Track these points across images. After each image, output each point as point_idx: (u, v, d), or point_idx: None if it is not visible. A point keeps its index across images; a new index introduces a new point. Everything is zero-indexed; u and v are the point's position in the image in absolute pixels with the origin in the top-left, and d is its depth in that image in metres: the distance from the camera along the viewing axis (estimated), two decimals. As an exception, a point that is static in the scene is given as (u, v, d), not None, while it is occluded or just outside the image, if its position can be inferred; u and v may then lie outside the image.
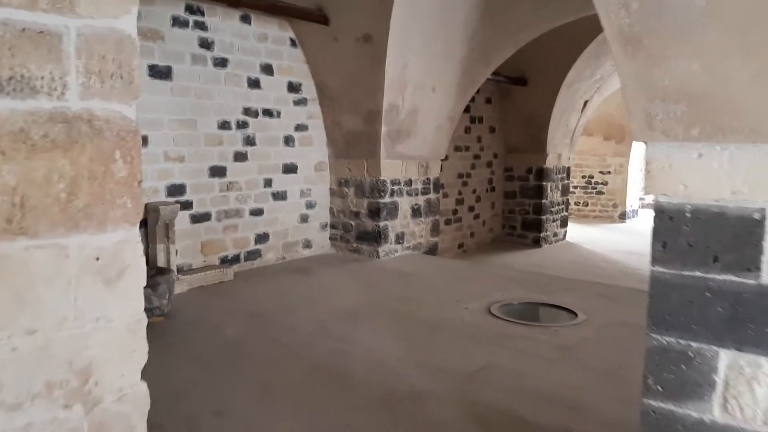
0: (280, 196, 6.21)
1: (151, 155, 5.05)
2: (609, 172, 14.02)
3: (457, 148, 8.68)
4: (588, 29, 7.98)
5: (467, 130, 8.98)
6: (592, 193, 14.19)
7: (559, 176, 10.16)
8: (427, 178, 7.00)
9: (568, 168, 10.50)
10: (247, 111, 5.83)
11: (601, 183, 14.09)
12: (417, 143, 6.72)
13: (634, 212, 14.10)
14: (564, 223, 10.49)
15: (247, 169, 5.86)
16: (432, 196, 7.07)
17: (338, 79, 6.35)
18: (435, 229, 7.16)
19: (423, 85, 6.42)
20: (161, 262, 4.89)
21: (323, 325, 4.09)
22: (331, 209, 6.82)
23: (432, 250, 7.07)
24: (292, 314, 4.35)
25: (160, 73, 5.08)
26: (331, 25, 5.97)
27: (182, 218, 5.28)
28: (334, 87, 6.43)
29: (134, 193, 1.46)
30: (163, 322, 4.19)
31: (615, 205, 13.93)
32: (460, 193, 8.99)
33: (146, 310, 3.33)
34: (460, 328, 4.11)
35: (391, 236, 6.57)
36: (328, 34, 6.09)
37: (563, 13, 6.78)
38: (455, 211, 8.90)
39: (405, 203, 6.73)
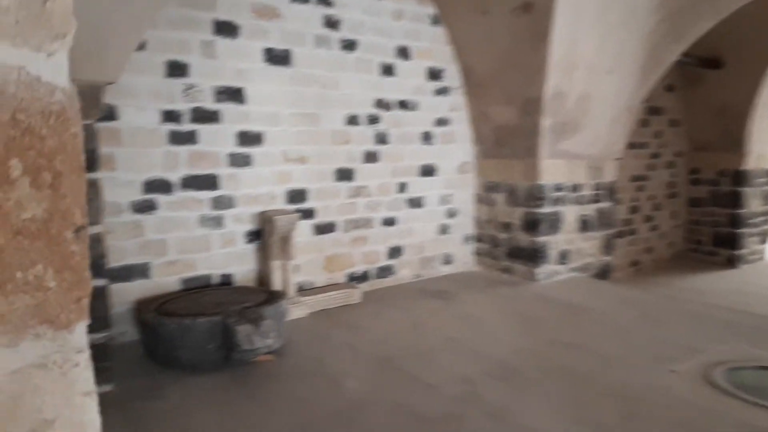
0: (416, 202, 5.22)
1: (269, 155, 4.31)
2: (817, 175, 11.35)
3: (631, 145, 7.09)
4: (819, -12, 6.08)
5: (644, 123, 7.36)
6: (793, 200, 11.60)
7: (762, 180, 8.13)
8: (599, 183, 5.62)
9: (772, 170, 8.39)
10: (379, 103, 4.92)
11: (807, 188, 11.45)
12: (587, 139, 5.38)
13: None
14: (765, 240, 8.41)
15: (379, 172, 4.95)
16: (605, 204, 5.67)
17: (488, 61, 5.22)
18: (608, 246, 5.75)
19: (596, 66, 5.08)
20: (277, 282, 4.11)
21: (471, 385, 3.00)
22: (476, 219, 5.71)
23: (603, 273, 5.67)
24: (430, 363, 3.31)
25: (278, 58, 4.31)
26: (481, -6, 4.87)
27: (304, 229, 4.48)
28: (483, 71, 5.31)
29: (64, 255, 0.63)
30: (271, 361, 3.36)
31: (825, 216, 11.25)
32: (634, 199, 7.40)
33: (245, 351, 2.45)
34: (668, 408, 2.79)
35: (552, 254, 5.31)
36: (476, 6, 4.99)
37: (796, -38, 5.06)
38: (628, 221, 7.33)
39: (570, 213, 5.42)
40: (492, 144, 5.51)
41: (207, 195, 4.02)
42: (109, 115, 3.60)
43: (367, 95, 4.85)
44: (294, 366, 3.31)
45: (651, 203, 7.65)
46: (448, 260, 5.50)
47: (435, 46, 5.26)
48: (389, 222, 5.04)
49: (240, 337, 3.04)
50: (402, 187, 5.11)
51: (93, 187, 2.86)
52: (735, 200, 7.80)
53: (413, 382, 3.05)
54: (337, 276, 4.72)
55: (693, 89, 7.85)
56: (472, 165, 5.64)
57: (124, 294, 3.66)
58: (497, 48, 5.09)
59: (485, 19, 5.02)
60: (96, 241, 2.86)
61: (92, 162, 2.86)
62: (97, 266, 2.87)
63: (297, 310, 4.12)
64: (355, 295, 4.50)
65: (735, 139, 7.72)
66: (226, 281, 4.12)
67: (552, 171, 5.26)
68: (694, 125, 8.00)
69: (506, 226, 5.45)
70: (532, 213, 5.23)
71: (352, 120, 4.76)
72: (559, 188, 5.32)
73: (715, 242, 7.96)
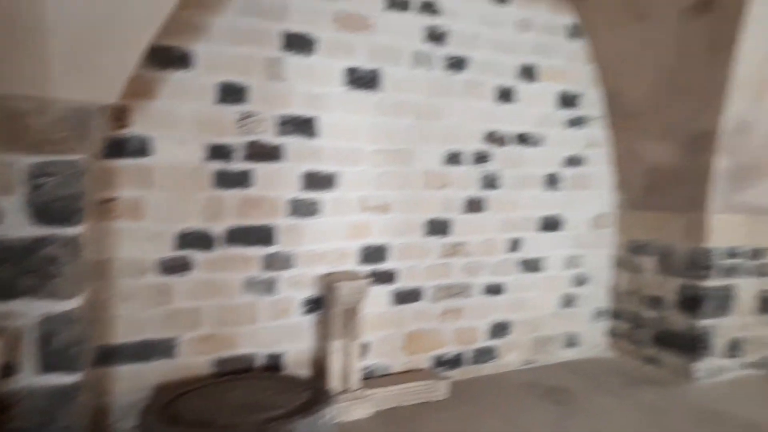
0: (532, 266, 4.07)
1: (342, 203, 3.41)
2: None
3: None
4: None
5: None
6: None
7: None
8: (795, 251, 4.09)
9: None
10: (490, 136, 3.86)
11: None
12: (782, 191, 3.91)
13: None
14: None
15: (484, 225, 3.87)
16: (802, 281, 4.13)
17: (643, 83, 3.96)
18: (803, 339, 4.19)
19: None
20: (335, 369, 3.19)
21: None
22: (613, 289, 4.41)
23: (795, 376, 4.12)
24: None
25: (363, 80, 3.41)
26: (639, -6, 3.65)
27: (381, 297, 3.54)
28: (635, 97, 4.04)
29: None
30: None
31: None
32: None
33: None
34: None
35: (719, 344, 3.90)
36: (630, 11, 3.78)
37: None
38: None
39: (747, 289, 3.99)
40: (641, 192, 4.20)
41: (258, 252, 3.20)
42: (140, 149, 2.90)
43: (476, 127, 3.81)
44: None
45: None
46: (571, 342, 4.26)
47: (571, 64, 4.09)
48: (494, 290, 3.93)
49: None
50: (514, 245, 3.99)
51: (70, 246, 2.13)
52: None
53: None
54: (419, 359, 3.71)
55: None
56: (611, 218, 4.36)
57: (141, 378, 2.93)
58: (657, 65, 3.83)
59: (642, 27, 3.79)
60: (68, 322, 2.13)
61: (73, 212, 2.13)
62: (69, 356, 2.13)
63: (358, 408, 3.17)
64: (440, 388, 3.46)
65: None
66: (274, 363, 3.27)
67: (725, 230, 3.88)
68: None
69: (655, 302, 4.11)
70: (693, 286, 3.88)
71: (454, 158, 3.74)
72: (733, 254, 3.93)
73: None
